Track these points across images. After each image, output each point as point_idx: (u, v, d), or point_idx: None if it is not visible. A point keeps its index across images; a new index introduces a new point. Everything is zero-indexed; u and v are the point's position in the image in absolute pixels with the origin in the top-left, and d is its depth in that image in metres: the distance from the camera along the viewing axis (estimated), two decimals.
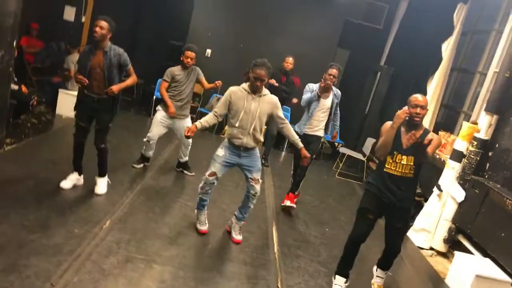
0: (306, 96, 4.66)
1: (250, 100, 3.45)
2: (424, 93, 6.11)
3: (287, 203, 4.75)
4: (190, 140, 4.95)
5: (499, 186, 4.27)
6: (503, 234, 3.91)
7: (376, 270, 3.63)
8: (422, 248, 4.75)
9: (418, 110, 3.06)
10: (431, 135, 3.10)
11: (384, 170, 3.19)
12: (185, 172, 5.15)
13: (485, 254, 4.11)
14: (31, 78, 7.35)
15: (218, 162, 3.56)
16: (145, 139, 4.88)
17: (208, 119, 3.53)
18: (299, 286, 3.34)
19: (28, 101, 5.41)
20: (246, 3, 8.06)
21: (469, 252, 4.34)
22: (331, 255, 4.01)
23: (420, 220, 4.91)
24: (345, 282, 3.39)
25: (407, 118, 3.09)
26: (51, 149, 4.99)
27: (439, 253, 4.72)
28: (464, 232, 4.53)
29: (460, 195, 4.61)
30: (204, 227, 3.80)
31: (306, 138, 4.62)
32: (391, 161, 3.16)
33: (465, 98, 5.93)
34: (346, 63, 8.64)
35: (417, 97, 3.10)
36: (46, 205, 3.57)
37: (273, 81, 6.17)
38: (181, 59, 4.68)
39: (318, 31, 8.03)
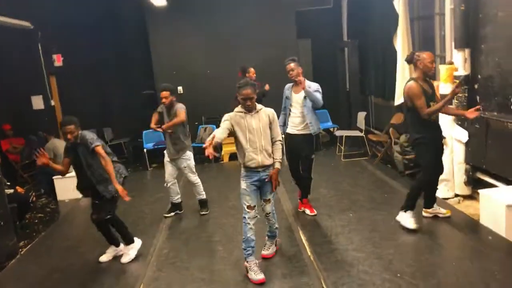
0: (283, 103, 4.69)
1: (250, 118, 3.42)
2: (394, 52, 6.18)
3: (307, 211, 4.74)
4: (195, 177, 4.96)
5: (495, 113, 4.27)
6: None
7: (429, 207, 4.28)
8: (447, 199, 4.74)
9: (434, 64, 3.83)
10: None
11: (432, 120, 3.93)
12: (201, 212, 5.09)
13: (507, 182, 4.10)
14: (22, 176, 7.41)
15: (248, 193, 3.46)
16: (165, 184, 5.03)
17: (217, 134, 3.31)
18: (343, 279, 3.31)
19: (28, 199, 5.43)
20: (197, 31, 8.15)
21: (492, 186, 4.33)
22: (363, 238, 4.00)
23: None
24: (414, 212, 4.08)
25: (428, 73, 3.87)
26: (65, 236, 5.00)
27: (465, 197, 4.71)
28: (481, 169, 4.52)
29: (464, 135, 4.61)
30: (261, 276, 3.39)
31: (292, 138, 4.61)
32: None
33: (433, 42, 5.97)
34: (312, 51, 8.70)
35: (430, 53, 3.85)
36: None
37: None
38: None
39: (274, 30, 8.11)
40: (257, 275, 3.39)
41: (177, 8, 7.96)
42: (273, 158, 3.50)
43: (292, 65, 4.47)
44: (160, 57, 8.21)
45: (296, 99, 4.55)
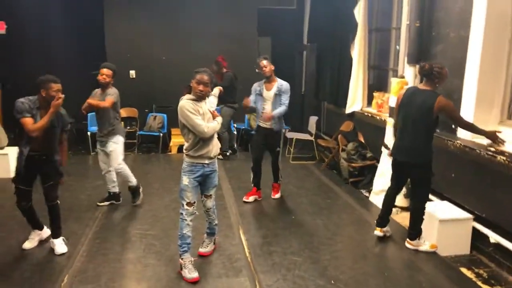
0: (251, 97, 4.91)
1: (203, 106, 3.35)
2: (350, 60, 6.28)
3: (277, 196, 5.17)
4: (119, 165, 4.66)
5: (438, 131, 4.42)
6: (452, 175, 4.07)
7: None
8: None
9: None
10: None
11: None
12: (133, 203, 4.85)
13: (442, 197, 4.27)
14: None
15: (189, 190, 3.34)
16: (102, 173, 4.79)
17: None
18: (278, 283, 3.29)
19: None
20: (156, 14, 7.87)
21: (428, 200, 4.48)
22: (302, 241, 4.01)
23: (378, 182, 5.02)
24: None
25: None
26: None
27: (403, 208, 4.85)
28: None
29: None
30: (195, 274, 3.29)
31: (263, 131, 4.93)
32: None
33: (388, 55, 6.12)
34: (271, 50, 8.68)
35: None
36: None
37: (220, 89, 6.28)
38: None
39: (235, 25, 8.01)
40: (191, 273, 3.29)
41: None
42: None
43: (264, 62, 4.78)
44: (114, 37, 7.85)
45: (269, 95, 4.83)
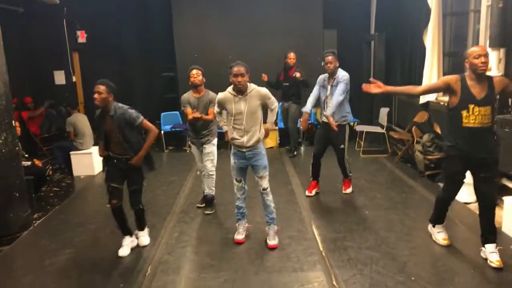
0: (315, 88, 4.93)
1: (238, 101, 3.58)
2: (422, 47, 5.97)
3: (348, 191, 5.05)
4: (211, 168, 4.58)
5: None
6: None
7: (484, 246, 3.40)
8: (468, 203, 4.58)
9: (483, 59, 3.10)
10: (500, 81, 3.24)
11: (463, 126, 3.22)
12: (205, 211, 4.67)
13: None
14: (41, 149, 7.50)
15: (235, 169, 3.80)
16: (197, 172, 4.96)
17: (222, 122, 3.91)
18: (355, 277, 3.22)
19: (44, 172, 5.47)
20: (222, 14, 8.03)
21: None
22: (378, 237, 3.90)
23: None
24: (443, 226, 3.76)
25: (475, 70, 3.15)
26: (78, 211, 5.01)
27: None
28: (507, 175, 4.34)
29: None
30: (239, 236, 3.89)
31: (324, 125, 4.88)
32: (468, 115, 3.19)
33: (465, 40, 5.73)
34: (337, 42, 8.49)
35: (475, 48, 3.17)
36: (88, 268, 3.56)
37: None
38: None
39: (300, 19, 7.94)
40: (237, 236, 3.88)
41: None
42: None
43: (330, 58, 4.68)
44: (182, 39, 8.11)
45: (330, 90, 4.75)
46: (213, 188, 4.69)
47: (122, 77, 8.86)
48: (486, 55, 3.12)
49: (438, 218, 3.72)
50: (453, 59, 6.30)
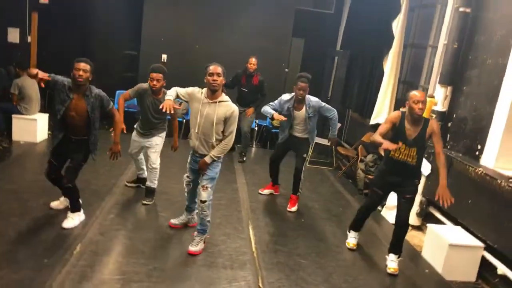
0: (268, 109, 4.73)
1: (206, 104, 3.41)
2: (381, 72, 6.25)
3: (293, 209, 4.88)
4: (155, 161, 4.45)
5: (460, 155, 4.40)
6: (469, 201, 4.04)
7: (389, 255, 3.84)
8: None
9: (420, 105, 3.48)
10: (431, 128, 3.57)
11: (390, 156, 3.72)
12: (144, 201, 4.52)
13: (456, 222, 4.24)
14: None
15: (188, 168, 3.73)
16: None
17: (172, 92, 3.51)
18: (280, 281, 3.34)
19: None
20: (196, 4, 7.96)
21: (441, 222, 4.46)
22: (309, 245, 4.05)
23: (392, 198, 5.00)
24: (357, 235, 4.16)
25: (412, 113, 3.54)
26: (12, 178, 4.79)
27: (414, 227, 4.83)
28: (434, 204, 4.66)
29: (426, 168, 4.72)
30: (174, 221, 4.04)
31: (293, 140, 4.87)
32: (395, 150, 3.63)
33: (420, 72, 6.07)
34: (303, 51, 8.68)
35: (416, 93, 3.53)
36: (12, 238, 3.43)
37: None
38: (148, 82, 4.31)
39: (271, 23, 8.01)
40: (173, 220, 4.04)
41: None
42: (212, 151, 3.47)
43: (304, 85, 4.59)
44: (151, 20, 7.95)
45: (299, 116, 4.74)
46: (155, 182, 4.53)
47: (80, 47, 8.53)
48: (424, 102, 3.52)
49: (354, 225, 4.16)
50: (406, 87, 6.65)
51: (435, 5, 5.80)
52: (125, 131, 4.28)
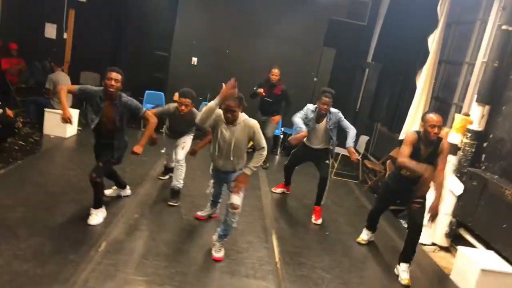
0: (297, 119, 4.70)
1: (225, 129, 3.46)
2: (413, 87, 6.12)
3: (319, 221, 4.80)
4: (181, 156, 4.50)
5: (496, 176, 4.24)
6: (504, 225, 3.88)
7: (400, 265, 3.82)
8: (424, 244, 4.71)
9: (436, 130, 3.54)
10: (442, 147, 3.63)
11: (401, 172, 3.81)
12: (169, 202, 4.51)
13: (488, 246, 4.08)
14: (15, 99, 7.25)
15: (212, 175, 3.85)
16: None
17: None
18: None
19: (14, 124, 5.29)
20: (229, 9, 8.01)
21: (471, 245, 4.31)
22: (333, 259, 3.96)
23: None
24: (372, 233, 4.40)
25: (427, 137, 3.59)
26: (41, 171, 4.87)
27: (442, 248, 4.69)
28: (465, 226, 4.50)
29: (458, 188, 4.58)
30: (200, 212, 4.24)
31: (309, 151, 4.89)
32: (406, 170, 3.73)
33: (455, 89, 5.91)
34: (334, 62, 8.60)
35: (433, 117, 3.55)
36: (39, 232, 3.46)
37: (261, 91, 6.29)
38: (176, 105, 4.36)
39: (303, 31, 8.00)
40: (199, 212, 4.27)
41: None
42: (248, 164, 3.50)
43: (328, 100, 4.62)
44: (184, 22, 8.03)
45: (320, 129, 4.76)
46: (181, 181, 4.53)
47: (113, 46, 8.69)
48: (439, 127, 3.54)
49: (368, 225, 4.37)
50: (438, 104, 6.49)
51: (474, 21, 5.64)
52: (156, 141, 4.32)
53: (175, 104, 4.40)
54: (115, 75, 3.59)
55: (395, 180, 3.92)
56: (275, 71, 6.30)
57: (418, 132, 3.73)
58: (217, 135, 3.50)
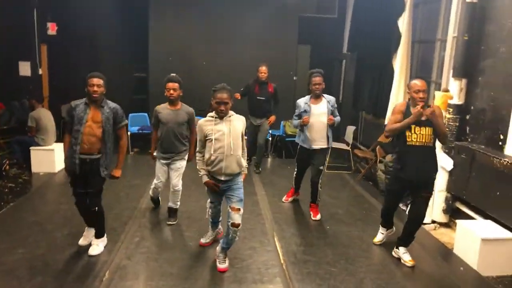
0: (296, 122, 4.75)
1: (219, 124, 3.41)
2: (391, 71, 6.20)
3: (317, 217, 4.80)
4: (177, 184, 4.40)
5: (483, 146, 4.31)
6: (498, 193, 3.94)
7: (398, 249, 3.89)
8: (424, 224, 4.75)
9: (421, 94, 3.47)
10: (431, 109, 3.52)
11: (407, 144, 3.58)
12: (168, 222, 4.50)
13: (485, 216, 4.13)
14: None
15: (209, 192, 3.67)
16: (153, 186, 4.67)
17: (201, 166, 3.54)
18: None
19: (0, 166, 5.24)
20: (199, 20, 8.04)
21: (470, 217, 4.36)
22: (337, 252, 3.98)
23: None
24: (387, 230, 4.20)
25: (415, 103, 3.51)
26: (34, 210, 4.83)
27: (442, 224, 4.74)
28: (461, 199, 4.56)
29: (449, 163, 4.64)
30: (203, 240, 4.00)
31: (310, 153, 4.76)
32: (411, 134, 3.56)
33: (431, 67, 6.00)
34: (310, 58, 8.67)
35: (417, 83, 3.52)
36: (40, 271, 3.43)
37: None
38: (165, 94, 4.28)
39: (276, 32, 8.06)
40: (202, 239, 4.03)
41: None
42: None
43: (318, 79, 4.58)
44: (157, 40, 8.04)
45: (317, 111, 4.62)
46: (178, 202, 4.51)
47: (89, 73, 8.62)
48: (424, 91, 3.49)
49: (383, 221, 4.18)
50: None
51: None
52: (153, 158, 4.42)
53: (160, 105, 4.45)
54: (97, 81, 3.57)
55: (403, 162, 3.67)
56: (263, 68, 6.26)
57: (408, 103, 3.68)
58: (211, 139, 3.39)
